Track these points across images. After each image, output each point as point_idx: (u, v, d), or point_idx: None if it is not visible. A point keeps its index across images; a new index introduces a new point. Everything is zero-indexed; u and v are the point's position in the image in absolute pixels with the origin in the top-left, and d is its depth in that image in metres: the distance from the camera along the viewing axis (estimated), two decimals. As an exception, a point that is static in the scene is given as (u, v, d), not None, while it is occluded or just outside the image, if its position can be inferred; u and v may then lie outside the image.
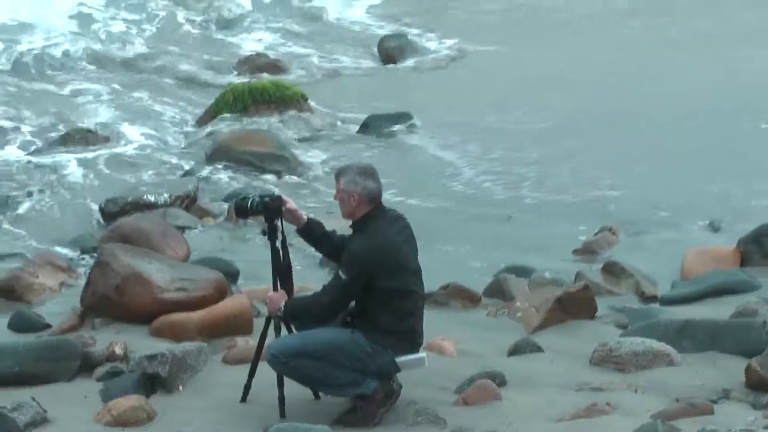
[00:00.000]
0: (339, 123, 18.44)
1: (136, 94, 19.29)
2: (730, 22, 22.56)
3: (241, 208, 11.28)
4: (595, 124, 18.10)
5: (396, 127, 17.97)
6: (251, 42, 22.24)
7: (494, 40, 22.81)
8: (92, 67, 20.52)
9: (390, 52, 21.57)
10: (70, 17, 22.57)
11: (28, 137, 17.51)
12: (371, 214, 10.55)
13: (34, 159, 16.83)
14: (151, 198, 15.31)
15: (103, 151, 17.05)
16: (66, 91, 19.35)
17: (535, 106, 18.97)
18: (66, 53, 20.91)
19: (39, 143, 17.27)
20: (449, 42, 22.69)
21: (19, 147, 17.19)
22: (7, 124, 17.92)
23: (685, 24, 22.64)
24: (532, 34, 23.07)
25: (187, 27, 22.42)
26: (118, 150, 17.29)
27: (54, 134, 17.49)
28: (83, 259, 14.03)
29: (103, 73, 20.26)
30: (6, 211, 15.40)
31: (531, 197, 15.95)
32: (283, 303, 10.63)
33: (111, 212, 15.00)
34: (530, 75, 20.60)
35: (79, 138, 17.11)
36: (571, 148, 17.28)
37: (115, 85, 19.69)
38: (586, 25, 23.46)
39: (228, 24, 23.08)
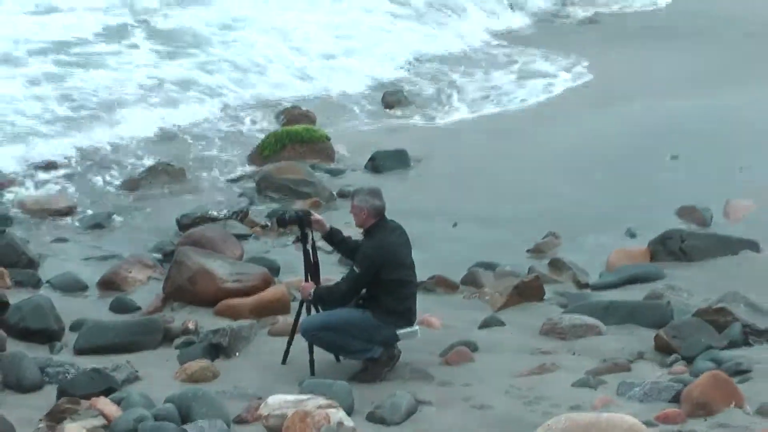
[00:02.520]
0: (353, 156, 18.37)
1: (201, 136, 19.17)
2: (643, 80, 22.56)
3: (281, 221, 11.39)
4: (543, 160, 18.05)
5: (396, 161, 17.89)
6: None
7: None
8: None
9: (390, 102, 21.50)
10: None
11: (128, 168, 17.44)
12: (377, 224, 10.62)
13: (128, 187, 16.82)
14: (215, 213, 15.27)
15: (179, 180, 17.00)
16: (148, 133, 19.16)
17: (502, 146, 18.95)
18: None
19: (132, 174, 17.23)
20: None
21: (117, 176, 17.16)
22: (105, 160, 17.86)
23: (612, 83, 22.64)
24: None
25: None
26: (190, 179, 17.24)
27: (142, 168, 17.41)
28: (164, 259, 14.00)
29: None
30: (108, 225, 15.42)
31: (496, 211, 15.91)
32: (312, 290, 10.69)
33: (185, 224, 14.97)
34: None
35: (161, 170, 17.08)
36: (527, 176, 17.25)
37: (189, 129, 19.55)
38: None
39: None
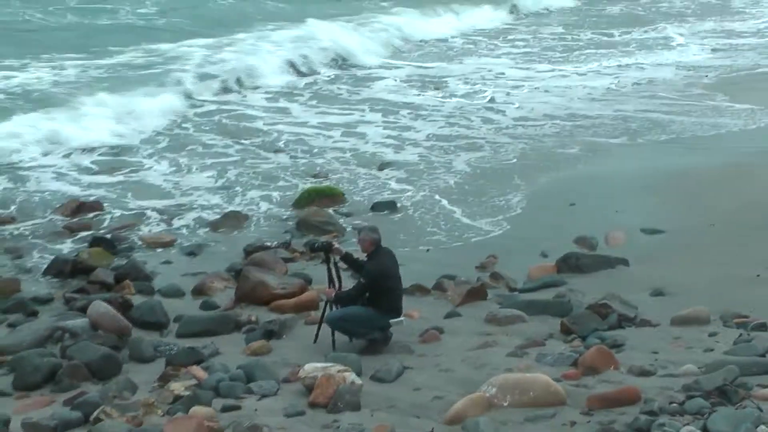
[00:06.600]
0: (360, 206, 18.27)
1: (254, 193, 18.84)
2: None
3: (311, 248, 11.46)
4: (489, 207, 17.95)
5: (389, 208, 17.74)
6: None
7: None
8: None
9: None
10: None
11: (203, 215, 17.15)
12: (376, 250, 10.71)
13: (211, 227, 16.69)
14: (268, 243, 15.29)
15: (244, 222, 16.91)
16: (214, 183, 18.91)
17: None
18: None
19: (208, 218, 17.08)
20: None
21: (203, 221, 17.03)
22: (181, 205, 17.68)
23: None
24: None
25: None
26: (251, 222, 17.10)
27: (214, 216, 17.22)
28: (235, 274, 13.94)
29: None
30: (198, 252, 15.39)
31: (455, 242, 15.89)
32: (333, 294, 10.73)
33: (248, 251, 14.95)
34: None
35: (232, 216, 16.92)
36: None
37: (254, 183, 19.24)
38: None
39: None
